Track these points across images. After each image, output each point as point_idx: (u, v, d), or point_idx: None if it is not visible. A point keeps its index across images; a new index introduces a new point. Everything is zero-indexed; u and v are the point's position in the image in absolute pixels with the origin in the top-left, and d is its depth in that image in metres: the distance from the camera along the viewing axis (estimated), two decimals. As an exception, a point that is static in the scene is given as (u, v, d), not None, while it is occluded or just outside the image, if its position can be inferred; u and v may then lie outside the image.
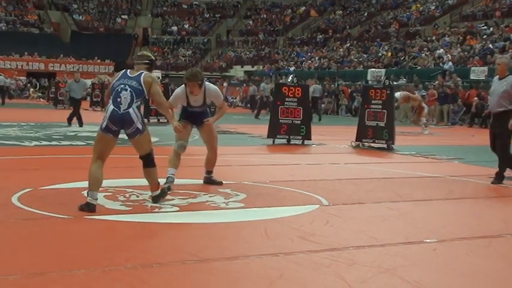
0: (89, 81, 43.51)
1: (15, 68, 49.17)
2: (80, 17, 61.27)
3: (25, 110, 26.25)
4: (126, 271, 4.55)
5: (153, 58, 7.17)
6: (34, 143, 14.00)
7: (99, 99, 33.35)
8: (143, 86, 6.70)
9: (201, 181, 8.68)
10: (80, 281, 4.32)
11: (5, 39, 51.41)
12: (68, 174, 9.00)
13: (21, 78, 48.82)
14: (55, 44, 54.42)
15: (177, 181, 7.99)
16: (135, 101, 6.63)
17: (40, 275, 4.39)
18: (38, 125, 19.75)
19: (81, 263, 4.71)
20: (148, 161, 6.80)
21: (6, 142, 13.97)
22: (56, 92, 34.67)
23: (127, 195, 7.40)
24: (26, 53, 50.63)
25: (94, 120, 22.87)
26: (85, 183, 7.12)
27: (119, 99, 6.61)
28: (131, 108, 6.58)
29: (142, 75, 6.77)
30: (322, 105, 33.87)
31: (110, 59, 53.17)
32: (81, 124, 19.44)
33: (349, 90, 35.08)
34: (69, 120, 19.79)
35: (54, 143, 14.26)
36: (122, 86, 6.67)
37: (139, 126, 6.65)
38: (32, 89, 45.81)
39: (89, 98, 33.00)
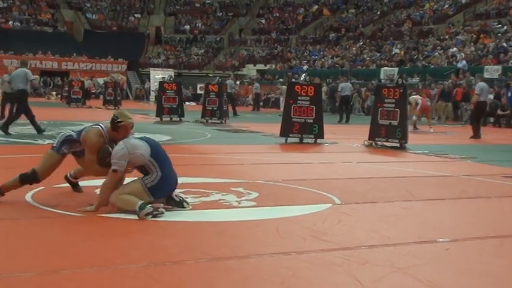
0: (101, 80, 43.88)
1: (28, 67, 49.33)
2: (93, 16, 61.46)
3: (39, 109, 26.33)
4: (139, 269, 4.56)
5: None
6: (47, 141, 14.05)
7: (112, 98, 33.52)
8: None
9: (214, 180, 8.68)
10: (93, 279, 4.34)
11: (19, 38, 51.68)
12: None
13: (35, 76, 49.01)
14: (68, 43, 54.63)
15: (189, 180, 8.00)
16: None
17: (53, 273, 4.41)
18: (52, 123, 19.82)
19: (94, 261, 4.73)
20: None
21: (20, 140, 14.04)
22: (69, 90, 34.83)
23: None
24: (39, 52, 50.82)
25: (108, 118, 22.89)
26: (98, 181, 7.16)
27: None
28: None
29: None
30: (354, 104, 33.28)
31: (123, 58, 53.33)
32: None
33: (363, 90, 35.00)
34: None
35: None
36: None
37: None
38: (54, 93, 45.90)
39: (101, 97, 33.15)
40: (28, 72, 16.29)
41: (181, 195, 6.84)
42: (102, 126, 6.69)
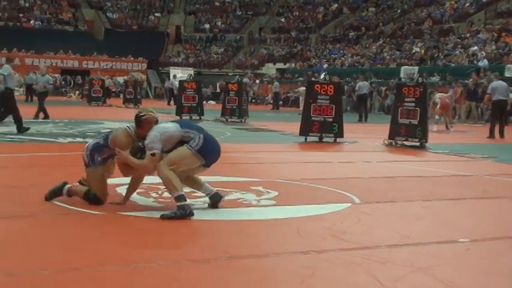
0: (121, 79, 44.05)
1: (49, 66, 49.72)
2: (114, 15, 61.73)
3: (59, 107, 26.53)
4: (158, 268, 4.57)
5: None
6: (68, 139, 14.16)
7: (132, 96, 33.66)
8: None
9: (233, 178, 8.68)
10: (112, 276, 4.36)
11: (40, 37, 52.09)
12: (101, 170, 9.05)
13: (56, 75, 49.40)
14: (89, 42, 54.90)
15: (209, 178, 8.01)
16: None
17: (73, 271, 4.43)
18: (72, 121, 19.95)
19: (113, 259, 4.76)
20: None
21: (41, 139, 14.15)
22: (89, 89, 35.03)
23: (159, 192, 7.44)
24: (60, 51, 51.16)
25: (128, 117, 23.07)
26: (118, 180, 7.19)
27: None
28: None
29: None
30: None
31: (143, 57, 53.53)
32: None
33: (383, 89, 34.85)
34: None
35: (88, 139, 14.36)
36: None
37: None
38: (77, 92, 46.17)
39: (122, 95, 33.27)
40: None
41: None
42: (129, 126, 6.69)
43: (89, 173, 6.73)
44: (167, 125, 6.54)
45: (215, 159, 6.63)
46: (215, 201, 6.70)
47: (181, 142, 6.41)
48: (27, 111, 18.44)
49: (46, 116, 20.40)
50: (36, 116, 20.37)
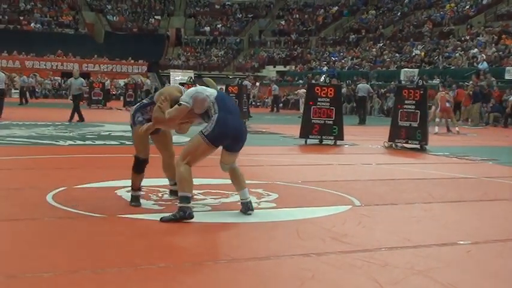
0: (122, 82, 44.05)
1: (50, 68, 49.85)
2: (114, 18, 61.77)
3: (60, 110, 26.56)
4: (158, 270, 4.57)
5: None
6: (68, 142, 14.16)
7: (132, 99, 33.69)
8: None
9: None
10: (113, 279, 4.37)
11: (41, 39, 52.15)
12: (101, 173, 9.08)
13: (56, 78, 49.46)
14: (89, 45, 54.97)
15: (209, 181, 8.02)
16: None
17: (74, 273, 4.44)
18: (73, 124, 19.96)
19: (114, 261, 4.76)
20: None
21: (42, 141, 14.15)
22: (90, 92, 35.03)
23: (160, 194, 7.45)
24: (59, 51, 51.18)
25: (128, 119, 23.00)
26: (118, 182, 7.20)
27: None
28: None
29: None
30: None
31: (143, 59, 53.58)
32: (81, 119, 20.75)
33: (383, 91, 34.91)
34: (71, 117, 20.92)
35: (88, 142, 14.41)
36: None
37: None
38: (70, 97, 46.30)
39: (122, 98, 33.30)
40: None
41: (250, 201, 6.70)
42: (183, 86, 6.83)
43: (133, 133, 6.86)
44: (208, 88, 6.53)
45: (232, 142, 6.44)
46: (245, 210, 6.60)
47: (206, 115, 6.36)
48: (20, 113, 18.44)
49: (81, 119, 20.55)
50: (71, 119, 20.61)
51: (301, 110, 19.72)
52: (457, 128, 21.24)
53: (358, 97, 28.07)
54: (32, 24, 55.95)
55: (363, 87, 27.94)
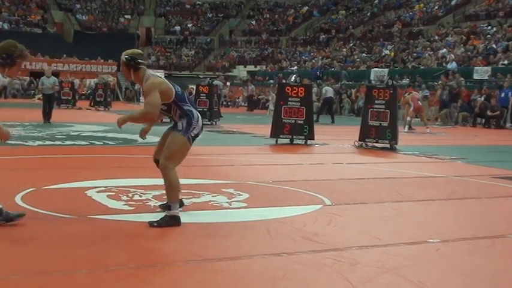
0: (93, 81, 43.68)
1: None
2: (83, 17, 61.31)
3: (28, 110, 26.30)
4: (129, 271, 4.55)
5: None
6: (38, 142, 14.02)
7: (102, 99, 33.44)
8: None
9: (204, 181, 8.66)
10: (83, 281, 4.33)
11: (8, 39, 51.28)
12: (71, 174, 9.00)
13: (25, 77, 48.87)
14: (58, 44, 54.43)
15: (180, 181, 7.98)
16: None
17: (43, 275, 4.39)
18: (41, 124, 19.76)
19: (84, 263, 4.71)
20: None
21: (10, 142, 13.93)
22: (59, 91, 34.65)
23: (130, 194, 7.40)
24: (29, 53, 50.64)
25: (98, 119, 22.96)
26: (88, 183, 7.14)
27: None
28: None
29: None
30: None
31: (113, 59, 53.11)
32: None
33: (353, 91, 35.08)
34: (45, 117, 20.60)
35: (57, 142, 14.27)
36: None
37: None
38: (37, 96, 45.82)
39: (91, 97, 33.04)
40: None
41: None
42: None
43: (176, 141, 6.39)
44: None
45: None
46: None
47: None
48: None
49: (47, 120, 20.39)
50: (49, 119, 20.47)
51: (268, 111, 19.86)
52: (428, 130, 21.45)
53: (325, 98, 28.73)
54: (0, 23, 55.25)
55: (328, 88, 29.31)
